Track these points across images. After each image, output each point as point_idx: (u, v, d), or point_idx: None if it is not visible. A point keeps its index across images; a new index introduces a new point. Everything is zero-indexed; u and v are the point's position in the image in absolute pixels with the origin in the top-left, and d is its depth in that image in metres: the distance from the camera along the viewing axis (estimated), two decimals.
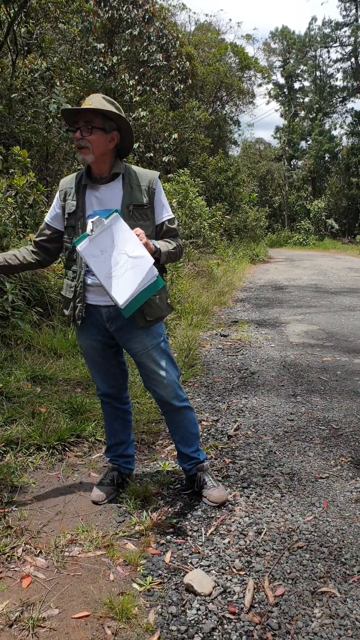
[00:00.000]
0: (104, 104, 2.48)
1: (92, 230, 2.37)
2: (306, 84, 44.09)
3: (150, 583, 2.24)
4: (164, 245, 2.57)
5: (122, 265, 2.39)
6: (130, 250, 2.39)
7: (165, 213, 2.66)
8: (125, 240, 2.40)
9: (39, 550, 2.44)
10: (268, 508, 2.81)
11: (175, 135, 14.54)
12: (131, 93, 12.36)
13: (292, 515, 2.73)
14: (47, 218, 2.73)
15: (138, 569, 2.33)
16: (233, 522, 2.68)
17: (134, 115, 12.60)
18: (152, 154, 13.71)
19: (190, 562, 2.38)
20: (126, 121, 2.54)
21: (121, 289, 2.38)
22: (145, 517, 2.70)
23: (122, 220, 2.43)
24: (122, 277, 2.38)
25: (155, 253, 2.48)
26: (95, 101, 2.47)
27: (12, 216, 6.12)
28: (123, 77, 12.23)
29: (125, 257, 2.39)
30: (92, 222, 2.38)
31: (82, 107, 2.45)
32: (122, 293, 2.38)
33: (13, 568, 2.32)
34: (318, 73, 42.31)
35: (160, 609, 2.10)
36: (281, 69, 44.70)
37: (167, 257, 2.59)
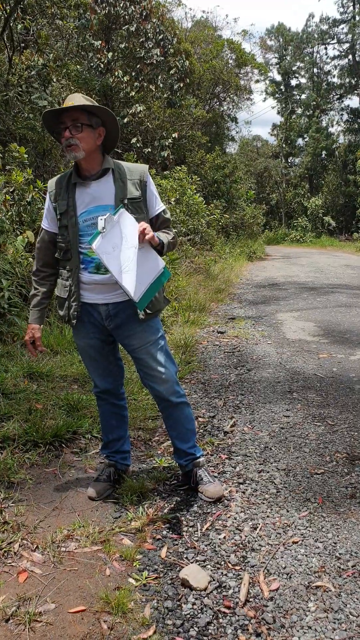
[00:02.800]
0: (86, 101, 2.49)
1: (103, 228, 2.39)
2: (303, 80, 44.09)
3: (146, 578, 2.25)
4: (164, 237, 2.61)
5: (133, 259, 2.44)
6: (138, 244, 2.45)
7: (158, 204, 2.70)
8: (133, 235, 2.44)
9: (35, 546, 2.45)
10: (264, 503, 2.82)
11: (175, 135, 14.53)
12: (127, 89, 12.34)
13: (288, 511, 2.75)
14: (44, 225, 2.71)
15: (134, 564, 2.35)
16: (229, 517, 2.70)
17: (130, 111, 12.58)
18: (149, 149, 13.70)
19: (186, 557, 2.40)
20: (112, 115, 2.55)
21: (135, 283, 2.44)
22: (142, 513, 2.72)
23: (129, 215, 2.48)
24: (134, 271, 2.44)
25: (159, 245, 2.54)
26: (77, 100, 2.48)
27: (9, 213, 6.11)
28: (116, 73, 12.20)
29: (134, 251, 2.45)
30: (104, 219, 2.40)
31: (68, 105, 2.45)
32: (136, 288, 2.44)
33: (10, 563, 2.33)
34: (315, 70, 42.27)
35: (156, 604, 2.11)
36: (277, 66, 44.63)
37: (167, 248, 2.64)
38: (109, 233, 2.41)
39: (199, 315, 7.78)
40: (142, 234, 2.40)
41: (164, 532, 2.59)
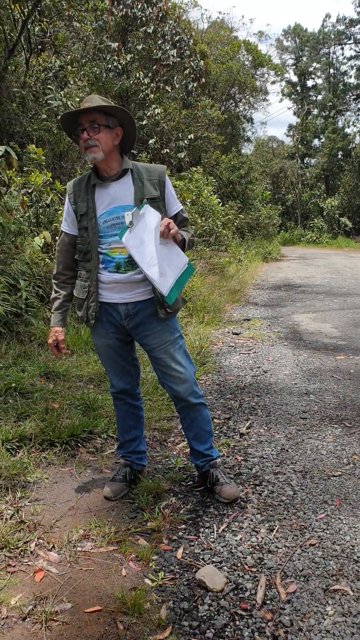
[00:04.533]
0: (103, 102, 2.50)
1: (131, 222, 2.41)
2: (319, 81, 43.88)
3: (162, 579, 2.25)
4: (185, 234, 2.64)
5: (159, 254, 2.46)
6: (162, 240, 2.48)
7: (176, 204, 2.71)
8: (158, 230, 2.46)
9: (51, 545, 2.45)
10: (280, 505, 2.80)
11: (191, 136, 14.55)
12: (146, 91, 12.37)
13: (305, 513, 2.73)
14: (64, 227, 2.73)
15: (150, 565, 2.34)
16: (245, 519, 2.68)
17: (148, 114, 12.60)
18: (166, 151, 13.72)
19: (202, 559, 2.39)
20: (129, 114, 2.55)
21: (163, 277, 2.47)
22: (158, 513, 2.71)
23: (153, 210, 2.50)
24: (161, 265, 2.46)
25: (180, 242, 2.57)
26: (95, 101, 2.49)
27: (27, 214, 6.15)
28: (137, 75, 12.23)
29: (160, 246, 2.47)
30: (132, 213, 2.43)
31: (84, 107, 2.46)
32: (164, 282, 2.47)
33: (26, 562, 2.34)
34: (331, 70, 42.03)
35: (172, 605, 2.10)
36: (294, 66, 44.48)
37: (188, 246, 2.66)
38: (136, 227, 2.43)
39: (214, 316, 7.77)
40: (167, 228, 2.43)
41: (180, 533, 2.58)
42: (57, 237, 2.84)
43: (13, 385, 3.99)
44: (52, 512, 2.74)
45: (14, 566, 2.31)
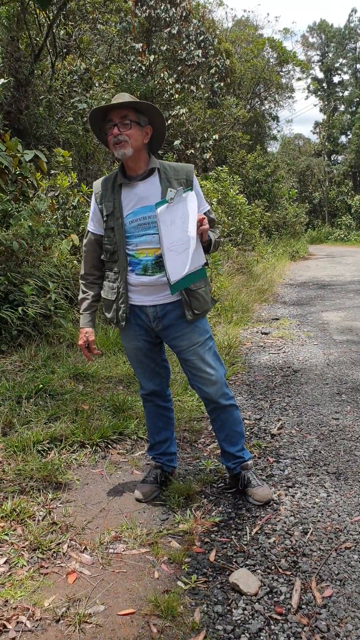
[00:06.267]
0: (134, 99, 2.49)
1: (171, 199, 2.39)
2: (346, 77, 43.39)
3: (195, 581, 2.22)
4: (212, 236, 2.60)
5: (184, 243, 2.43)
6: (192, 231, 2.44)
7: (203, 204, 2.67)
8: (192, 221, 2.43)
9: (83, 547, 2.45)
10: (314, 508, 2.75)
11: (215, 136, 14.50)
12: (171, 91, 12.37)
13: (339, 515, 2.67)
14: (90, 227, 2.71)
15: (182, 567, 2.32)
16: (278, 521, 2.64)
17: (173, 114, 12.60)
18: (192, 151, 13.69)
19: (235, 561, 2.36)
20: (160, 113, 2.54)
21: (177, 266, 2.43)
22: (189, 516, 2.69)
23: (194, 200, 2.46)
24: (181, 254, 2.43)
25: (206, 242, 2.54)
26: (125, 98, 2.49)
27: (54, 217, 6.20)
28: (162, 75, 12.24)
29: (187, 237, 2.44)
30: (175, 191, 2.41)
31: (117, 102, 2.45)
32: (176, 270, 2.43)
33: (59, 564, 2.34)
34: (358, 66, 41.51)
35: (205, 608, 2.08)
36: (319, 63, 44.06)
37: (213, 247, 2.63)
38: (174, 206, 2.40)
39: (242, 316, 7.71)
40: (200, 223, 2.41)
41: (212, 535, 2.55)
42: (84, 238, 2.83)
43: (43, 386, 4.01)
44: (84, 513, 2.74)
45: (47, 568, 2.31)
